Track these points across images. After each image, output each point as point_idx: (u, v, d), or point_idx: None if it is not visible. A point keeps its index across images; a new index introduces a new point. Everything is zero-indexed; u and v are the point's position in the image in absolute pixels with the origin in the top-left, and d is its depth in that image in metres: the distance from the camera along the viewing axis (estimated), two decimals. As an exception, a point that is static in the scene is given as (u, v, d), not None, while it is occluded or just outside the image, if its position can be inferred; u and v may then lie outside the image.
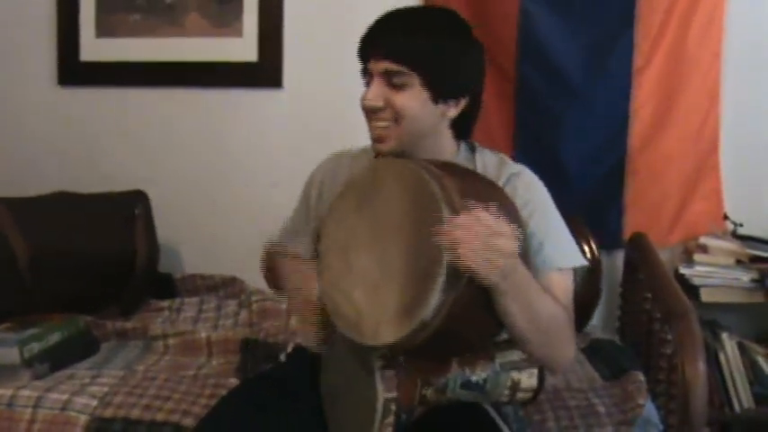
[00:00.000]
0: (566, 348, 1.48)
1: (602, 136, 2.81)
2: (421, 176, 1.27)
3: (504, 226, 1.23)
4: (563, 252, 1.54)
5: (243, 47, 2.97)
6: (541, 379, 1.49)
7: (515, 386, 1.46)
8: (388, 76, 1.49)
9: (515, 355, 1.46)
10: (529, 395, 1.49)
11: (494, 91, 2.83)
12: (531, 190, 1.58)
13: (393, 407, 1.33)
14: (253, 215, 2.92)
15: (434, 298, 1.20)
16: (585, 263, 1.59)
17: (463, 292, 1.23)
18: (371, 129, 1.54)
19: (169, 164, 3.09)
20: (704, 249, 2.64)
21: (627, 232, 2.79)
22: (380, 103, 1.50)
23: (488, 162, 1.64)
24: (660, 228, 2.78)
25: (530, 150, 2.81)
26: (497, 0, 2.80)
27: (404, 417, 1.35)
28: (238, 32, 2.98)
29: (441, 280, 1.20)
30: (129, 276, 2.65)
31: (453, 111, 1.55)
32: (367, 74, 1.54)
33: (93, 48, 3.07)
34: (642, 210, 2.81)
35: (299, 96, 2.96)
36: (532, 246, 1.47)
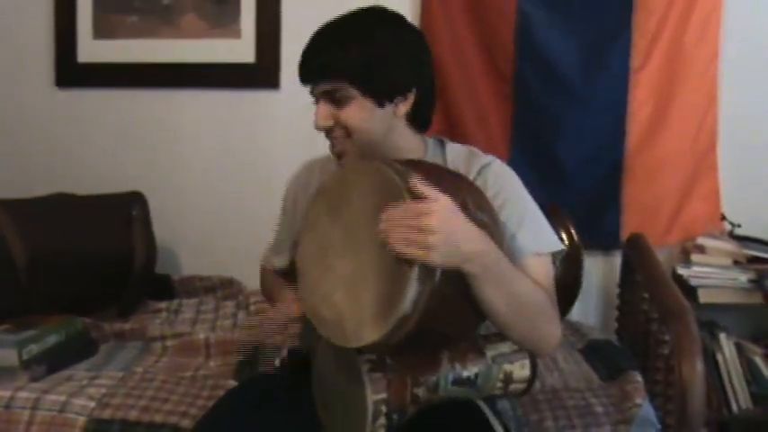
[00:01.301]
0: (550, 330, 1.47)
1: (599, 136, 2.82)
2: (385, 173, 1.28)
3: (429, 205, 1.22)
4: (538, 237, 1.54)
5: (240, 48, 2.98)
6: (534, 369, 1.49)
7: (508, 378, 1.46)
8: (329, 95, 1.51)
9: (506, 347, 1.47)
10: (522, 386, 1.49)
11: (491, 90, 2.85)
12: (501, 179, 1.57)
13: (383, 408, 1.33)
14: (251, 216, 2.92)
15: (411, 291, 1.20)
16: (562, 247, 1.59)
17: (440, 283, 1.23)
18: (330, 146, 1.58)
19: (167, 165, 3.09)
20: (702, 250, 2.64)
21: (624, 232, 2.79)
22: (330, 123, 1.52)
23: (458, 156, 1.64)
24: (658, 228, 2.79)
25: (527, 150, 2.82)
26: (495, 1, 2.80)
27: (395, 417, 1.35)
28: (236, 34, 2.99)
29: (414, 272, 1.20)
30: (127, 277, 2.65)
31: (404, 107, 1.55)
32: (313, 95, 1.56)
33: (91, 49, 3.07)
34: (640, 210, 2.81)
35: (297, 97, 2.90)
36: (507, 234, 1.47)
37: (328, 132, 1.54)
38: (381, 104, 1.51)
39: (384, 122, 1.53)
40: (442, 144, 1.68)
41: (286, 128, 3.00)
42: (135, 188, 2.81)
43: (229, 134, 3.06)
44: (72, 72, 3.11)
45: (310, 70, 1.53)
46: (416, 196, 1.23)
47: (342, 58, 1.48)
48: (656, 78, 2.78)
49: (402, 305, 1.20)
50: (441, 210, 1.23)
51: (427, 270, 1.21)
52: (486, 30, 2.83)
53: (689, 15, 2.72)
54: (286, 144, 2.96)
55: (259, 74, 3.00)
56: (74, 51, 3.08)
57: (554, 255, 1.56)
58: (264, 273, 1.94)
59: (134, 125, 3.11)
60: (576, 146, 2.81)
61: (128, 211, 2.72)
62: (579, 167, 2.82)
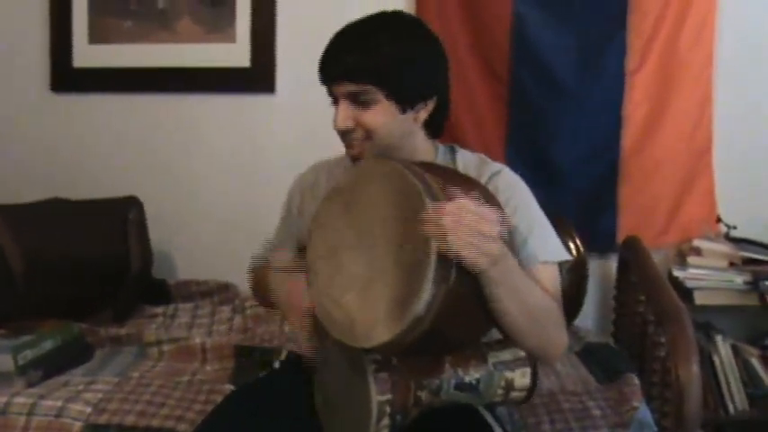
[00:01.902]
0: (557, 337, 1.49)
1: (595, 138, 2.81)
2: (402, 174, 1.28)
3: (488, 211, 1.24)
4: (547, 246, 1.55)
5: (236, 52, 2.97)
6: (535, 378, 1.49)
7: (509, 386, 1.46)
8: (352, 96, 1.50)
9: (508, 355, 1.47)
10: (523, 395, 1.49)
11: (487, 93, 2.85)
12: (511, 188, 1.59)
13: (387, 409, 1.33)
14: (247, 221, 2.92)
15: (426, 292, 1.20)
16: (569, 257, 1.60)
17: (454, 285, 1.23)
18: (347, 148, 1.56)
19: (162, 169, 3.09)
20: (698, 252, 2.64)
21: (620, 235, 2.79)
22: (351, 124, 1.51)
23: (469, 162, 1.65)
24: (653, 230, 2.79)
25: (523, 152, 2.82)
26: (490, 2, 2.80)
27: (399, 419, 1.35)
28: (231, 38, 2.98)
29: (430, 274, 1.20)
30: (123, 282, 2.65)
31: (424, 113, 1.56)
32: (332, 95, 1.54)
33: (86, 54, 3.07)
34: (635, 212, 2.81)
35: (292, 102, 2.96)
36: (516, 242, 1.47)
37: (346, 134, 1.53)
38: (404, 110, 1.52)
39: (404, 127, 1.54)
40: (452, 151, 1.69)
41: (282, 132, 3.00)
42: (131, 192, 2.81)
43: (225, 138, 3.06)
44: (67, 77, 3.10)
45: (336, 70, 1.51)
46: (435, 198, 1.23)
47: (371, 60, 1.47)
48: (652, 80, 2.78)
49: (417, 306, 1.20)
50: (494, 216, 1.24)
51: (444, 271, 1.21)
52: (481, 31, 2.83)
53: (684, 17, 2.72)
54: (282, 148, 2.96)
55: (255, 78, 3.00)
56: (69, 56, 3.08)
57: (560, 264, 1.58)
58: (257, 271, 1.85)
59: (130, 130, 3.11)
60: (571, 147, 2.81)
61: (124, 215, 2.72)
62: (575, 169, 2.82)
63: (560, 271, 1.58)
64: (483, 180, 1.57)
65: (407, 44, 1.51)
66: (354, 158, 1.56)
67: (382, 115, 1.50)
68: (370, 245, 1.31)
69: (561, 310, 1.50)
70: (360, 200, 1.35)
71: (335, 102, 1.53)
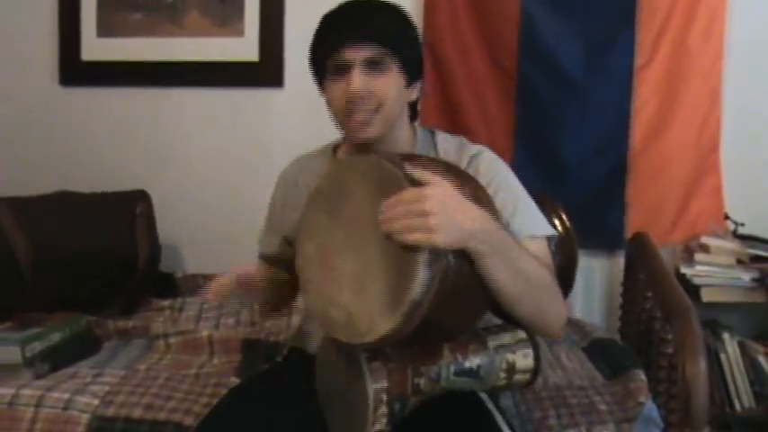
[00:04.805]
0: (556, 307, 1.48)
1: (603, 135, 2.81)
2: (381, 164, 1.28)
3: (424, 189, 1.22)
4: (531, 222, 1.57)
5: (244, 46, 2.98)
6: (537, 358, 1.49)
7: (511, 368, 1.46)
8: (368, 62, 1.50)
9: (508, 338, 1.47)
10: (527, 377, 1.49)
11: (495, 89, 2.85)
12: (492, 168, 1.60)
13: (384, 397, 1.33)
14: (254, 214, 2.91)
15: (420, 277, 1.20)
16: (555, 232, 1.61)
17: (447, 265, 1.23)
18: (352, 118, 1.53)
19: (170, 163, 3.10)
20: (705, 249, 2.64)
21: (628, 231, 2.79)
22: (365, 92, 1.50)
23: (449, 146, 1.67)
24: (661, 227, 2.79)
25: (531, 148, 2.82)
26: (499, -2, 2.81)
27: (397, 407, 1.35)
28: (239, 32, 2.99)
29: (422, 257, 1.20)
30: (131, 275, 2.66)
31: (415, 93, 1.60)
32: (329, 70, 1.53)
33: (95, 47, 3.08)
34: (643, 209, 2.81)
35: (301, 96, 2.95)
36: (502, 221, 1.46)
37: (356, 103, 1.51)
38: (408, 84, 1.55)
39: (403, 102, 1.57)
40: (432, 134, 1.70)
41: (290, 126, 3.00)
42: (139, 186, 2.82)
43: (233, 132, 3.07)
44: (76, 70, 3.11)
45: (358, 33, 1.49)
46: (415, 183, 1.23)
47: (392, 27, 1.51)
48: (660, 77, 2.78)
49: (413, 292, 1.20)
50: (437, 191, 1.23)
51: (435, 254, 1.21)
52: (489, 26, 2.83)
53: (693, 13, 2.72)
54: (290, 142, 2.93)
55: (263, 72, 3.01)
56: (78, 50, 3.08)
57: (549, 240, 1.59)
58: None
59: (138, 123, 3.11)
60: (579, 144, 2.81)
61: (132, 208, 2.72)
62: (582, 165, 2.82)
63: (550, 247, 1.58)
64: (463, 163, 1.59)
65: (411, 23, 1.57)
66: (359, 126, 1.53)
67: (393, 85, 1.52)
68: (360, 240, 1.31)
69: (556, 282, 1.49)
70: (342, 197, 1.35)
71: (338, 72, 1.52)
